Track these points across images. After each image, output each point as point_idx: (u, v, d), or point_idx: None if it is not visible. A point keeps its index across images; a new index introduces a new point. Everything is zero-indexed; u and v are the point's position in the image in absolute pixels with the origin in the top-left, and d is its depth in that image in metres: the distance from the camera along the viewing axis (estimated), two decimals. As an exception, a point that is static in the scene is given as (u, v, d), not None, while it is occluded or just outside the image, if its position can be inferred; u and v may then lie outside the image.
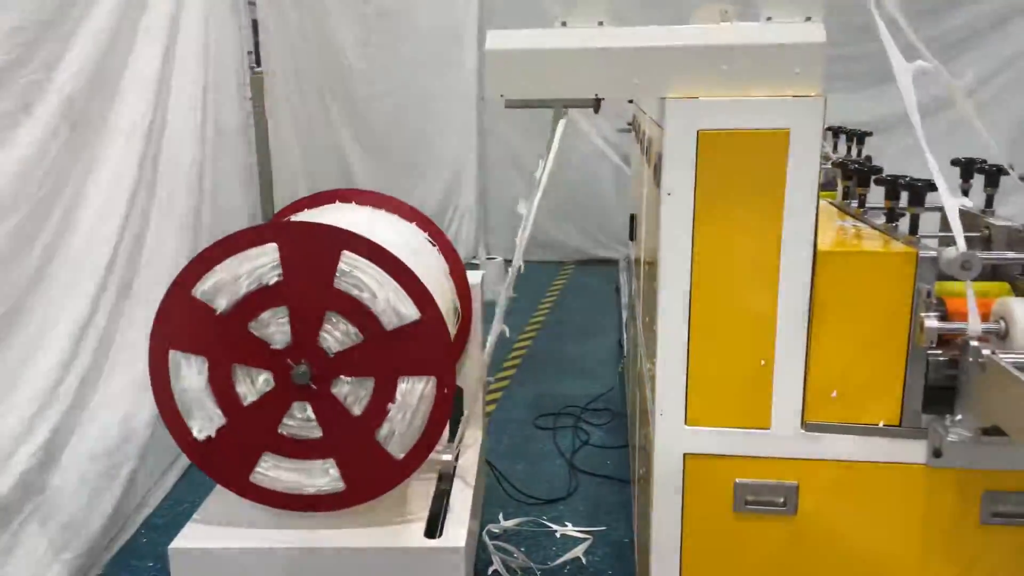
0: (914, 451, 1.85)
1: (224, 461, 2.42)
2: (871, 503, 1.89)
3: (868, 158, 3.10)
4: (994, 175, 2.14)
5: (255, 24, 4.78)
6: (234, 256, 2.26)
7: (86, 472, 3.23)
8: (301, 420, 2.38)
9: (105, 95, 3.57)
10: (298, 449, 2.38)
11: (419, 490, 2.69)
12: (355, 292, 2.27)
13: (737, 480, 1.92)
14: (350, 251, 2.27)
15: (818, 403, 1.86)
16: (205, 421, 2.38)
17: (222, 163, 4.43)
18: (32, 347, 3.15)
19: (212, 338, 2.34)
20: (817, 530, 1.91)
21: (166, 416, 2.41)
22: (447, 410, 2.39)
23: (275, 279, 2.26)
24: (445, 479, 2.80)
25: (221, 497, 2.56)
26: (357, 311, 2.28)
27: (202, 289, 2.29)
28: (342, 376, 2.34)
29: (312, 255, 2.27)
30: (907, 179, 1.89)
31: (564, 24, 1.83)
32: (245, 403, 2.37)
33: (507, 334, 2.53)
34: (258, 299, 2.28)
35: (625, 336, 4.89)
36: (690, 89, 1.76)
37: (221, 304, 2.29)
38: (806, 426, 1.87)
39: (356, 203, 3.17)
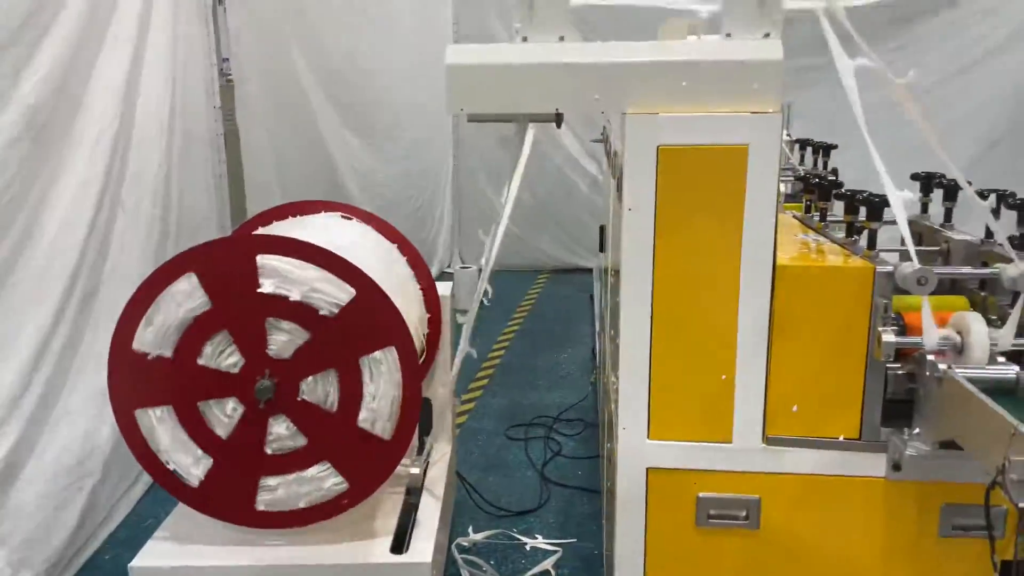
0: (874, 465, 1.86)
1: (225, 500, 2.41)
2: (833, 517, 1.90)
3: (834, 170, 3.13)
4: (952, 190, 2.16)
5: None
6: (159, 297, 2.25)
7: (48, 486, 3.17)
8: (283, 433, 2.36)
9: (71, 103, 3.52)
10: (290, 463, 2.37)
11: (386, 504, 2.67)
12: (283, 291, 2.26)
13: (700, 494, 1.92)
14: (264, 253, 2.26)
15: (779, 417, 1.87)
16: (193, 467, 2.38)
17: (190, 172, 4.38)
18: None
19: (169, 385, 2.33)
20: (780, 544, 1.92)
21: (154, 474, 2.41)
22: (417, 374, 2.39)
23: (205, 307, 2.25)
24: (413, 492, 2.79)
25: (184, 513, 2.53)
26: (293, 309, 2.28)
27: (141, 341, 2.28)
28: (304, 377, 2.33)
29: (230, 271, 2.26)
30: (865, 194, 1.90)
31: (525, 39, 1.83)
32: (224, 437, 2.36)
33: (474, 356, 2.52)
34: (197, 331, 2.28)
35: (597, 346, 4.90)
36: (650, 105, 1.77)
37: (165, 350, 2.29)
38: (768, 440, 1.88)
39: (313, 213, 3.16)
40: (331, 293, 2.29)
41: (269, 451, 2.35)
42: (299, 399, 2.36)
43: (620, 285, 1.88)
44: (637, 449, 1.92)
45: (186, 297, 2.28)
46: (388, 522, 2.60)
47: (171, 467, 2.39)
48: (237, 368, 2.34)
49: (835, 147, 3.20)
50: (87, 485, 3.38)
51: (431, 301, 3.12)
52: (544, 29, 1.83)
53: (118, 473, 3.58)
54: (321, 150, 6.23)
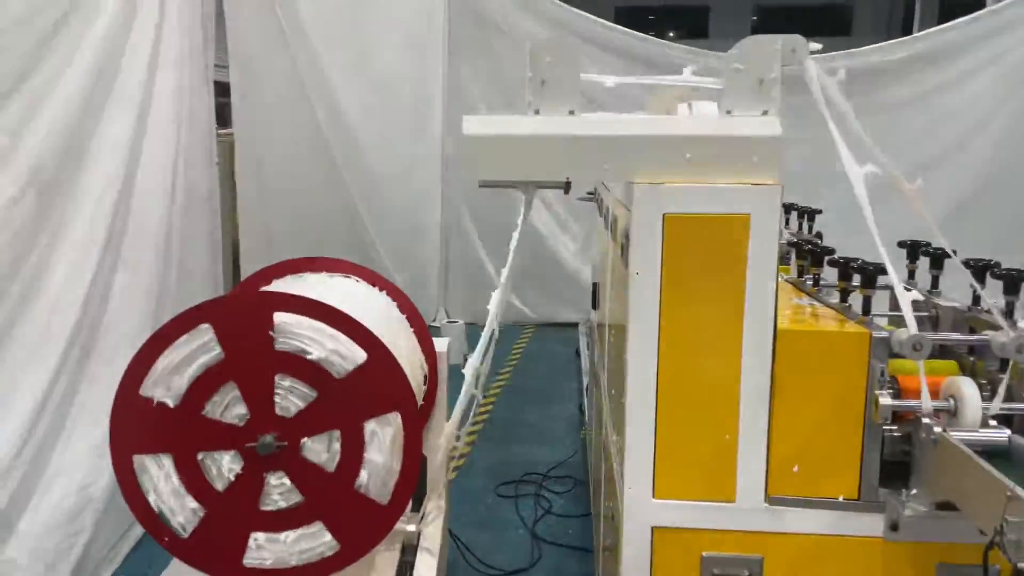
0: (872, 525, 1.91)
1: (214, 553, 2.38)
2: (832, 575, 1.94)
3: (819, 234, 3.24)
4: (939, 258, 2.26)
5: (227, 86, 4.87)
6: (172, 346, 2.28)
7: (41, 543, 3.14)
8: (279, 489, 2.36)
9: (76, 159, 3.58)
10: (283, 520, 2.35)
11: (381, 563, 2.67)
12: (298, 350, 2.29)
13: (704, 553, 1.95)
14: (282, 311, 2.30)
15: (781, 477, 1.92)
16: (185, 517, 2.35)
17: (190, 229, 4.43)
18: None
19: (171, 433, 2.32)
20: (781, 603, 1.95)
21: (143, 521, 2.37)
22: (418, 441, 2.40)
23: (217, 358, 2.28)
24: (409, 551, 2.78)
25: (177, 570, 2.51)
26: (304, 368, 2.29)
27: (149, 386, 2.29)
28: (308, 436, 2.35)
29: (246, 325, 2.29)
30: (859, 262, 1.99)
31: (537, 112, 1.92)
32: (220, 489, 2.35)
33: (479, 399, 2.56)
34: (206, 382, 2.28)
35: (586, 402, 4.94)
36: (656, 175, 1.86)
37: (171, 397, 2.29)
38: (770, 500, 1.93)
39: (313, 271, 3.20)
40: (344, 354, 2.31)
41: (263, 507, 2.35)
42: (299, 457, 2.37)
43: (626, 346, 1.94)
44: (643, 508, 1.96)
45: (199, 348, 2.30)
46: (383, 577, 2.59)
47: (162, 516, 2.38)
48: (241, 422, 2.35)
49: (819, 212, 3.32)
50: (80, 541, 3.34)
51: (428, 356, 3.16)
52: (555, 103, 1.92)
53: (109, 529, 3.54)
54: (305, 206, 6.30)
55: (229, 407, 2.34)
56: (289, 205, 5.79)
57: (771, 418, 1.90)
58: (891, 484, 1.89)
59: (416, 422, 2.39)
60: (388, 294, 3.20)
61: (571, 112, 1.92)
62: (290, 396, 2.34)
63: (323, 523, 2.38)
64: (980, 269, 2.03)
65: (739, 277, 1.85)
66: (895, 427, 1.88)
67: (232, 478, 2.36)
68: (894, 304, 2.12)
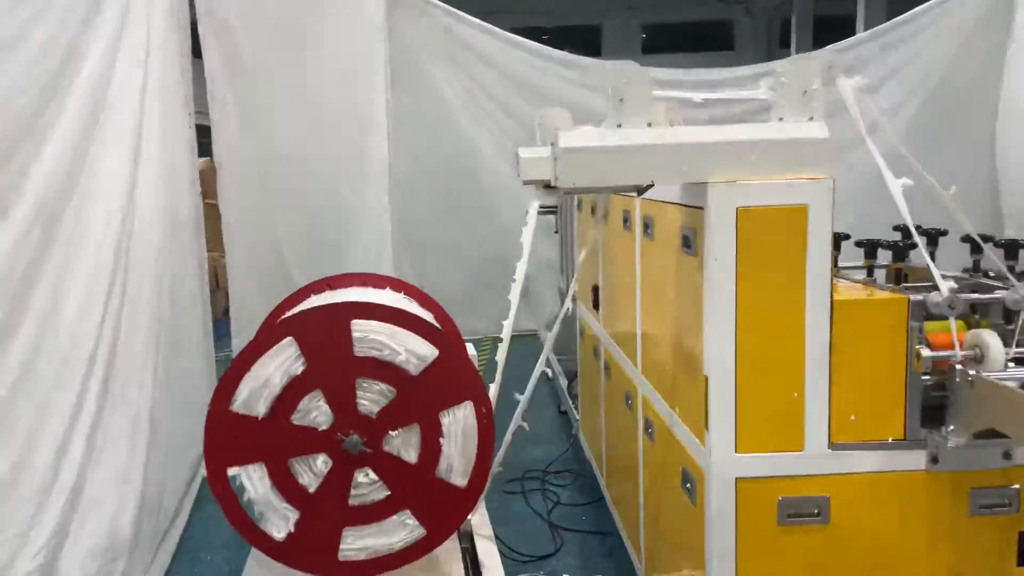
0: (916, 460, 2.28)
1: (311, 551, 2.52)
2: (886, 505, 2.29)
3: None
4: (934, 236, 2.68)
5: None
6: (258, 361, 2.44)
7: (86, 567, 3.18)
8: (365, 485, 2.54)
9: (79, 194, 3.63)
10: (372, 513, 2.52)
11: (447, 554, 2.85)
12: (375, 353, 2.48)
13: (780, 497, 2.27)
14: (358, 319, 2.49)
15: (841, 426, 2.26)
16: (281, 522, 2.49)
17: (178, 257, 4.48)
18: (25, 448, 3.12)
19: (262, 443, 2.47)
20: (846, 534, 2.29)
21: (242, 530, 2.50)
22: (491, 426, 2.60)
23: (301, 368, 2.44)
24: (464, 538, 2.99)
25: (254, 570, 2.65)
26: (383, 369, 2.48)
27: (239, 402, 2.44)
28: (390, 432, 2.53)
29: (327, 335, 2.47)
30: (886, 242, 2.37)
31: (620, 126, 2.22)
32: (311, 491, 2.50)
33: (527, 429, 2.80)
34: (292, 392, 2.45)
35: (570, 403, 5.24)
36: (726, 175, 2.18)
37: (261, 409, 2.44)
38: (832, 446, 2.27)
39: (344, 287, 3.39)
40: (418, 353, 2.52)
41: (352, 503, 2.52)
42: (383, 452, 2.55)
43: (704, 325, 2.25)
44: (728, 463, 2.26)
45: (284, 360, 2.46)
46: (455, 568, 2.79)
47: (260, 521, 2.52)
48: (327, 425, 2.51)
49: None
50: (117, 569, 3.37)
51: None
52: (634, 117, 2.22)
53: (140, 555, 3.58)
54: (272, 232, 6.38)
55: (315, 412, 2.51)
56: (263, 231, 5.86)
57: (831, 376, 2.24)
58: (929, 425, 2.26)
59: (486, 409, 2.59)
60: (421, 303, 3.42)
61: (649, 124, 2.22)
62: (371, 396, 2.52)
63: (410, 510, 2.57)
64: (979, 242, 2.45)
65: (800, 258, 2.19)
66: (928, 377, 2.26)
67: (322, 479, 2.53)
68: (898, 279, 2.53)
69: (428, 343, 2.54)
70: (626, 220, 3.16)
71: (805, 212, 2.17)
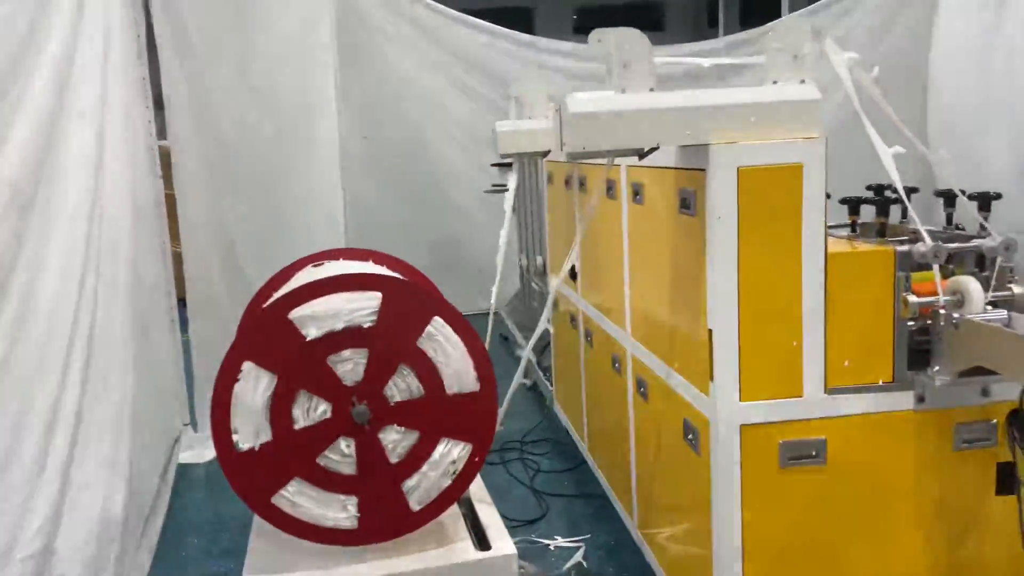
0: (903, 400, 2.44)
1: (253, 477, 2.51)
2: (878, 444, 2.45)
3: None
4: (907, 194, 2.84)
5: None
6: (339, 293, 2.45)
7: (83, 554, 3.14)
8: (340, 454, 2.55)
9: (49, 178, 3.54)
10: (327, 481, 2.54)
11: (451, 519, 2.91)
12: (432, 354, 2.54)
13: (781, 441, 2.41)
14: (440, 317, 2.54)
15: (836, 371, 2.40)
16: (251, 434, 2.47)
17: (142, 241, 4.40)
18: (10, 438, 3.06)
19: (290, 360, 2.47)
20: (842, 473, 2.44)
21: (216, 421, 2.48)
22: (471, 477, 2.68)
23: (368, 323, 2.48)
24: (462, 503, 3.06)
25: (262, 542, 2.67)
26: (428, 371, 2.54)
27: (299, 315, 2.44)
28: (394, 424, 2.56)
29: (407, 312, 2.51)
30: (873, 197, 2.51)
31: (623, 90, 2.30)
32: (296, 427, 2.50)
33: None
34: (346, 337, 2.48)
35: (540, 375, 5.34)
36: (726, 136, 2.28)
37: (311, 332, 2.45)
38: (828, 390, 2.41)
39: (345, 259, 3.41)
40: (464, 380, 2.56)
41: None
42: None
43: (708, 280, 2.36)
44: (732, 410, 2.38)
45: (362, 307, 2.47)
46: (458, 529, 2.86)
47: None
48: (351, 383, 2.52)
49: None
50: (111, 555, 3.34)
51: None
52: (638, 82, 2.30)
53: (131, 538, 3.54)
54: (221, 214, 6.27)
55: (350, 366, 2.50)
56: (216, 212, 5.75)
57: (826, 325, 2.37)
58: (915, 367, 2.42)
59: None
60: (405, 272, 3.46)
61: (651, 89, 2.31)
62: (401, 385, 2.55)
63: (357, 499, 2.56)
64: (953, 197, 2.62)
65: (796, 213, 2.31)
66: (913, 322, 2.41)
67: (312, 424, 2.50)
68: (881, 233, 2.69)
69: (476, 376, 2.57)
70: (610, 188, 3.25)
71: (800, 170, 2.29)
